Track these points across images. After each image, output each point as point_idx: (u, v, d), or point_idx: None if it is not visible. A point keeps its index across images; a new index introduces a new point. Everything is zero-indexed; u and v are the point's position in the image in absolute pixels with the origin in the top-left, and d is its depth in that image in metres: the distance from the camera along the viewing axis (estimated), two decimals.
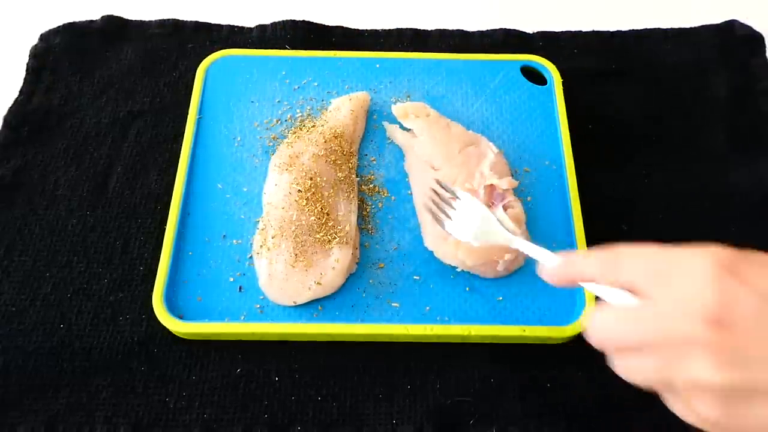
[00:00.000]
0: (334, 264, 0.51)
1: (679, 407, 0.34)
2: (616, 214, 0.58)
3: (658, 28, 0.72)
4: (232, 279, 0.52)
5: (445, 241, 0.52)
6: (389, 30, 0.71)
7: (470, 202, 0.49)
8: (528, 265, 0.53)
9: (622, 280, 0.35)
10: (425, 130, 0.59)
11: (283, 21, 0.70)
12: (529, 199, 0.57)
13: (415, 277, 0.53)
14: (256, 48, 0.68)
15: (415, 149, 0.58)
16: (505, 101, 0.64)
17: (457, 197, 0.50)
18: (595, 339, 0.36)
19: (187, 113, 0.61)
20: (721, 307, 0.31)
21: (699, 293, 0.32)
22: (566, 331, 0.50)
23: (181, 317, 0.50)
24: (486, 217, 0.48)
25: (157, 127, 0.63)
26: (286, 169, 0.55)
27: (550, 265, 0.40)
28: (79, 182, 0.59)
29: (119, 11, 0.71)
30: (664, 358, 0.33)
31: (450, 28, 0.71)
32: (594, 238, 0.55)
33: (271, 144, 0.60)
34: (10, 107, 0.63)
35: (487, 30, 0.71)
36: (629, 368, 0.35)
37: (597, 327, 0.36)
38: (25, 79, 0.66)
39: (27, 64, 0.67)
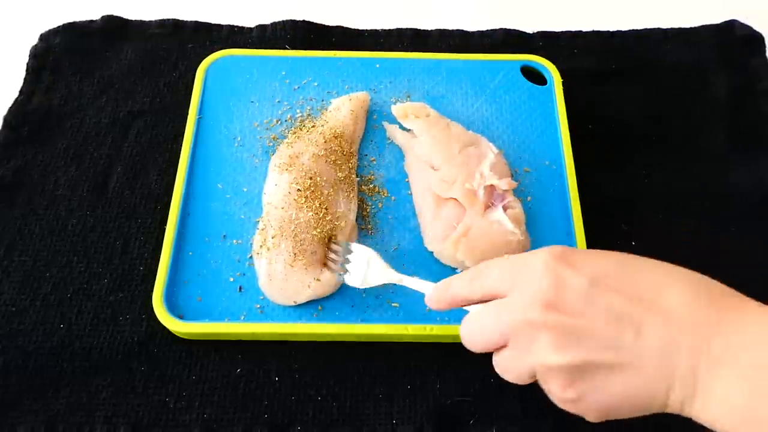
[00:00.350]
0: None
1: (550, 395, 0.37)
2: (616, 214, 0.58)
3: (658, 28, 0.72)
4: (232, 279, 0.52)
5: (445, 241, 0.52)
6: (389, 30, 0.71)
7: (360, 249, 0.51)
8: None
9: (486, 291, 0.39)
10: (425, 130, 0.59)
11: (283, 21, 0.70)
12: (529, 199, 0.57)
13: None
14: (256, 48, 0.68)
15: (415, 149, 0.58)
16: (505, 101, 0.64)
17: (351, 250, 0.51)
18: (466, 342, 0.39)
19: (187, 113, 0.61)
20: (553, 290, 0.35)
21: (536, 282, 0.36)
22: None
23: (181, 317, 0.50)
24: (371, 259, 0.50)
25: (157, 127, 0.63)
26: (286, 169, 0.55)
27: (429, 294, 0.43)
28: (79, 182, 0.59)
29: (119, 11, 0.71)
30: (519, 347, 0.36)
31: (450, 28, 0.71)
32: (594, 238, 0.55)
33: (271, 144, 0.60)
34: (10, 107, 0.63)
35: (487, 30, 0.71)
36: (499, 364, 0.38)
37: (465, 331, 0.39)
38: (25, 79, 0.66)
39: (27, 64, 0.67)
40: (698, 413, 0.33)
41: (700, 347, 0.33)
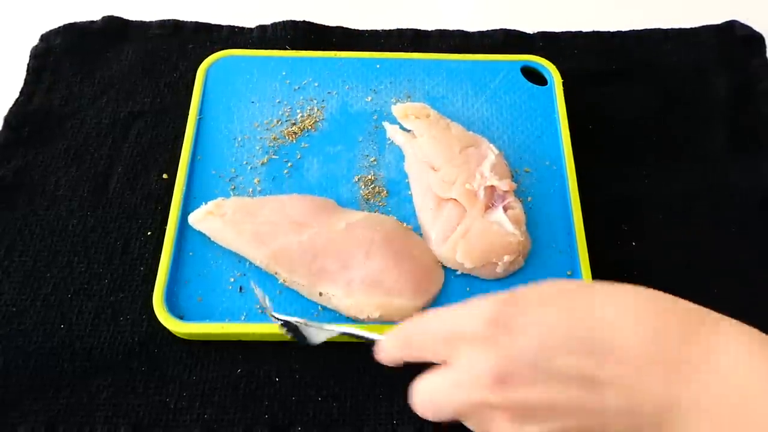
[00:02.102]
0: None
1: None
2: (616, 214, 0.58)
3: (659, 29, 0.72)
4: (232, 279, 0.52)
5: (445, 243, 0.52)
6: (389, 30, 0.71)
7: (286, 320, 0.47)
8: (527, 266, 0.53)
9: (426, 357, 0.37)
10: (425, 130, 0.59)
11: (283, 21, 0.70)
12: (529, 199, 0.57)
13: None
14: (256, 48, 0.68)
15: (416, 150, 0.58)
16: (505, 102, 0.64)
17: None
18: (419, 413, 0.37)
19: (188, 114, 0.62)
20: (501, 366, 0.32)
21: (481, 359, 0.33)
22: None
23: (181, 318, 0.50)
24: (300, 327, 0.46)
25: (157, 128, 0.63)
26: None
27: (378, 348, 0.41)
28: (80, 182, 0.59)
29: (120, 12, 0.71)
30: (477, 425, 0.35)
31: (450, 28, 0.71)
32: (594, 238, 0.55)
33: (272, 144, 0.60)
34: (11, 108, 0.63)
35: (488, 30, 0.71)
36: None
37: (417, 402, 0.37)
38: (25, 79, 0.66)
39: (27, 65, 0.67)
40: None
41: (664, 392, 0.30)
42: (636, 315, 0.32)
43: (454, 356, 0.35)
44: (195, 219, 0.54)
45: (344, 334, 0.45)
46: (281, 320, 0.47)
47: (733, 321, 0.32)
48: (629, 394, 0.31)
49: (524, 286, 0.35)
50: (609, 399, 0.31)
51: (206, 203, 0.54)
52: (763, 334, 0.31)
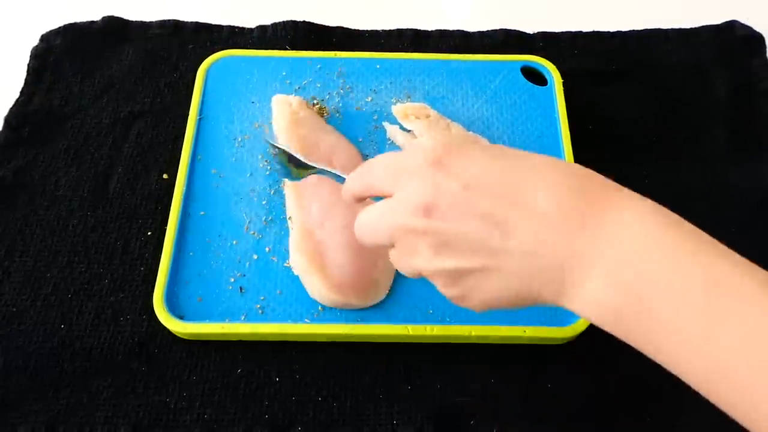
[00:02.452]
0: None
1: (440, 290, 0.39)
2: None
3: (659, 29, 0.72)
4: (232, 279, 0.53)
5: None
6: (389, 30, 0.71)
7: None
8: None
9: (373, 190, 0.41)
10: (425, 131, 0.59)
11: (283, 22, 0.70)
12: None
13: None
14: (256, 48, 0.68)
15: None
16: (505, 102, 0.64)
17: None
18: (358, 236, 0.41)
19: (188, 114, 0.62)
20: (429, 197, 0.36)
21: (414, 188, 0.37)
22: (566, 331, 0.50)
23: (181, 318, 0.50)
24: None
25: (157, 128, 0.63)
26: None
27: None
28: (80, 183, 0.59)
29: (120, 12, 0.71)
30: (404, 250, 0.38)
31: (450, 28, 0.71)
32: None
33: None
34: (11, 108, 0.63)
35: (488, 30, 0.71)
36: (392, 259, 0.40)
37: (357, 225, 0.41)
38: (25, 79, 0.66)
39: (28, 65, 0.67)
40: (571, 307, 0.34)
41: (566, 245, 0.33)
42: (553, 179, 0.35)
43: (397, 188, 0.38)
44: (279, 99, 0.61)
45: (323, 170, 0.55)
46: (275, 146, 0.54)
47: (636, 193, 0.35)
48: (533, 241, 0.34)
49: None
50: (514, 242, 0.34)
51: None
52: (658, 205, 0.35)
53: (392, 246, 0.40)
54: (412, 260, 0.38)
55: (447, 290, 0.38)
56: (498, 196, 0.35)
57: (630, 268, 0.32)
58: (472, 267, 0.36)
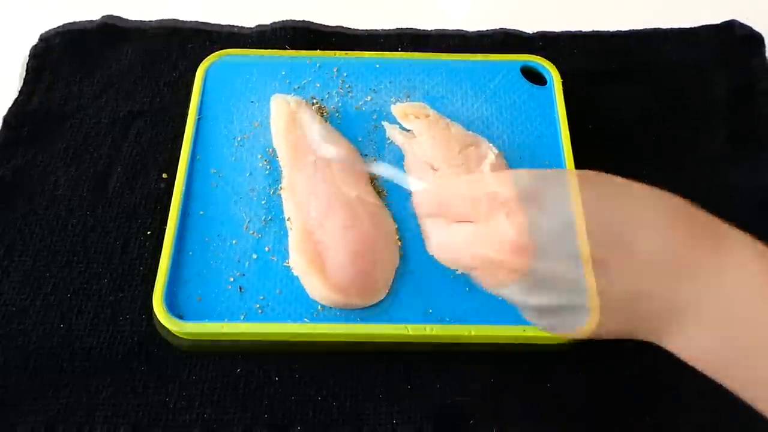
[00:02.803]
0: None
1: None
2: None
3: (658, 29, 0.72)
4: (232, 279, 0.52)
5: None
6: (389, 30, 0.71)
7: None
8: None
9: (454, 212, 0.39)
10: (425, 130, 0.59)
11: (282, 22, 0.70)
12: None
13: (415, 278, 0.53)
14: (255, 48, 0.68)
15: (415, 150, 0.58)
16: (504, 102, 0.64)
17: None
18: (435, 255, 0.40)
19: (187, 113, 0.61)
20: (522, 236, 0.34)
21: (504, 223, 0.35)
22: None
23: (181, 317, 0.50)
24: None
25: (157, 127, 0.63)
26: None
27: (416, 198, 0.42)
28: (79, 182, 0.59)
29: (119, 12, 0.71)
30: (489, 279, 0.37)
31: (450, 28, 0.71)
32: None
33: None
34: (10, 107, 0.63)
35: (487, 30, 0.71)
36: (476, 281, 0.39)
37: (435, 245, 0.40)
38: (25, 79, 0.66)
39: (27, 65, 0.67)
40: (669, 348, 0.34)
41: (670, 292, 0.32)
42: (654, 218, 0.34)
43: (481, 216, 0.36)
44: (277, 98, 0.61)
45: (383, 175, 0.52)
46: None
47: (741, 233, 0.34)
48: (636, 285, 0.33)
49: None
50: (614, 283, 0.33)
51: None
52: (766, 248, 0.34)
53: (474, 269, 0.38)
54: (499, 290, 0.37)
55: (535, 321, 0.37)
56: (597, 235, 0.33)
57: (736, 319, 0.31)
58: (567, 304, 0.34)
